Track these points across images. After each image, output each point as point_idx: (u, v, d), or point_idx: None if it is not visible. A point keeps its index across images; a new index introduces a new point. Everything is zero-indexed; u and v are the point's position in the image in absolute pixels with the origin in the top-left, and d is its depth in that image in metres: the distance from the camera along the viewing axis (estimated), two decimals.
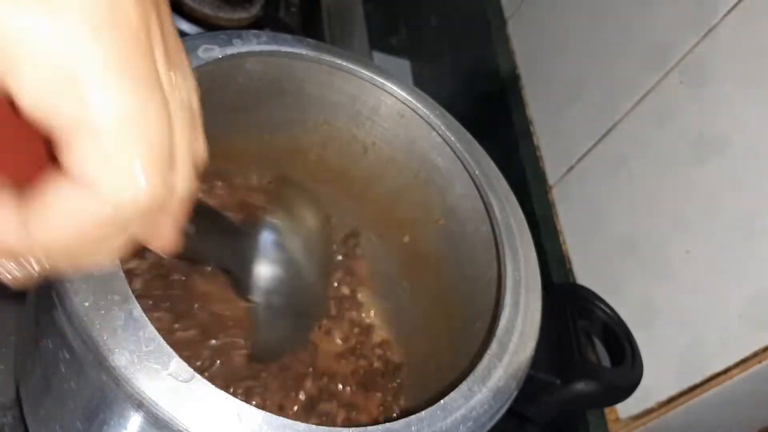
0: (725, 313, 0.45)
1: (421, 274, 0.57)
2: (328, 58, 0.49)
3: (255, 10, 0.76)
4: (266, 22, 0.77)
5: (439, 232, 0.54)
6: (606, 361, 0.48)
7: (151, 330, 0.31)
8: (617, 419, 0.51)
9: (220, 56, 0.44)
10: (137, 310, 0.32)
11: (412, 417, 0.35)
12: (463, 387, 0.37)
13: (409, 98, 0.50)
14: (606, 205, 0.56)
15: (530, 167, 0.65)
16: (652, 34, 0.54)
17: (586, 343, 0.48)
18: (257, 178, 0.57)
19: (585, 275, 0.60)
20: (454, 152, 0.50)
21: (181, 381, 0.31)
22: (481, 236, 0.50)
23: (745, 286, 0.44)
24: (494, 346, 0.40)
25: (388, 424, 0.34)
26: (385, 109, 0.52)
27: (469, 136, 0.50)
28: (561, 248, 0.63)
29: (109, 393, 0.32)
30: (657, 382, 0.48)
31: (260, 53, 0.47)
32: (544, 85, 0.67)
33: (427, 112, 0.50)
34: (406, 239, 0.57)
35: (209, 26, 0.73)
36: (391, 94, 0.50)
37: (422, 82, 0.48)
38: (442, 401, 0.36)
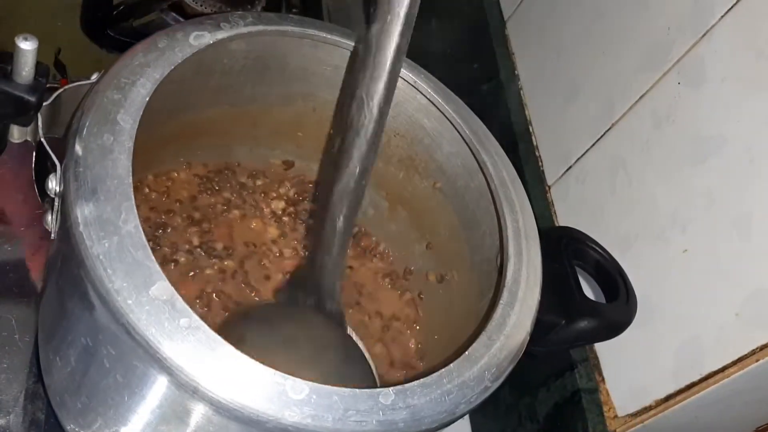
0: (722, 312, 0.45)
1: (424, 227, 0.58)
2: (311, 32, 0.50)
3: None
4: None
5: (431, 190, 0.55)
6: (600, 298, 0.50)
7: (144, 253, 0.32)
8: (615, 417, 0.52)
9: (212, 42, 0.44)
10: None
11: (443, 370, 0.37)
12: (483, 337, 0.39)
13: None
14: (604, 204, 0.56)
15: (529, 167, 0.65)
16: (650, 34, 0.54)
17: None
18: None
19: None
20: (442, 112, 0.50)
21: (160, 301, 0.32)
22: (471, 191, 0.51)
23: (742, 284, 0.44)
24: (506, 295, 0.42)
25: (422, 380, 0.36)
26: None
27: (455, 97, 0.51)
28: None
29: (97, 314, 0.33)
30: (655, 379, 0.48)
31: (248, 34, 0.46)
32: (542, 85, 0.67)
33: (412, 76, 0.51)
34: (403, 195, 0.59)
35: None
36: None
37: None
38: (466, 352, 0.38)
